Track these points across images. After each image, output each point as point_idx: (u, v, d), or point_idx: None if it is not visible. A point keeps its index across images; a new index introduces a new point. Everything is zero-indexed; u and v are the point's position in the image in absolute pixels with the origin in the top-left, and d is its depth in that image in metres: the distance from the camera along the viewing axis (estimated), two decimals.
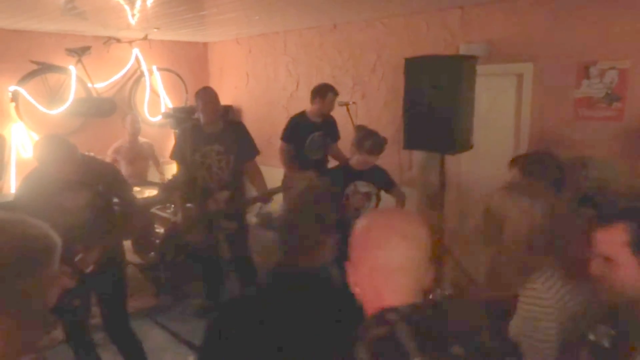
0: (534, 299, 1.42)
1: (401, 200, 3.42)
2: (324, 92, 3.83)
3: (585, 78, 3.25)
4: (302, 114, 3.97)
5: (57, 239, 1.02)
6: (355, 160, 3.15)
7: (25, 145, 4.72)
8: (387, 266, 0.97)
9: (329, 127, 4.01)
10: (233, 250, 3.64)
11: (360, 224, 1.04)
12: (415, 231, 0.99)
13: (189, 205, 3.50)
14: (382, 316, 0.94)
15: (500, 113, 3.80)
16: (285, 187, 3.46)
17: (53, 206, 2.31)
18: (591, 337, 1.23)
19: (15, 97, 4.56)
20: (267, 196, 3.41)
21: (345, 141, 3.96)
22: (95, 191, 2.51)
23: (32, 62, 4.59)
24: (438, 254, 1.18)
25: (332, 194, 1.52)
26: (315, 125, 3.91)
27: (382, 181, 3.30)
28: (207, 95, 3.30)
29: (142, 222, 4.13)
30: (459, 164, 3.94)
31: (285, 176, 4.00)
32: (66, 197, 2.41)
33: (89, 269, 2.40)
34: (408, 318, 0.92)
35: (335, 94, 3.89)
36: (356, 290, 1.02)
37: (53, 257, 0.98)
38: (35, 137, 4.69)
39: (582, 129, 3.28)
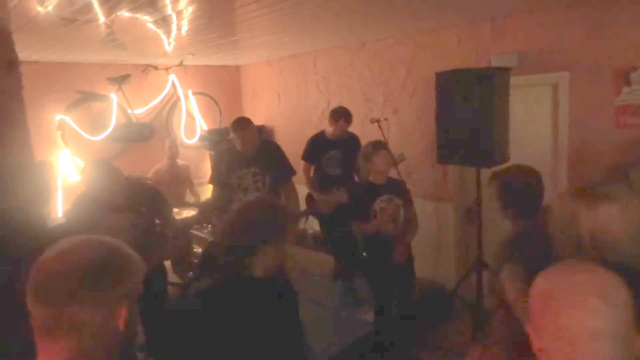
0: None
1: (413, 226, 3.18)
2: (336, 117, 3.91)
3: (626, 85, 3.15)
4: (321, 133, 4.10)
5: (135, 260, 1.02)
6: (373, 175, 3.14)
7: (70, 171, 4.95)
8: (583, 331, 0.82)
9: (349, 145, 4.01)
10: None
11: (542, 281, 0.91)
12: (613, 291, 0.84)
13: None
14: None
15: (536, 124, 3.71)
16: (308, 206, 3.49)
17: (100, 228, 2.41)
18: None
19: (61, 125, 4.81)
20: (295, 217, 3.46)
21: None
22: (138, 212, 2.61)
23: (77, 92, 4.84)
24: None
25: (276, 207, 1.61)
26: (332, 143, 3.99)
27: (402, 195, 3.14)
28: (243, 129, 3.35)
29: (182, 242, 4.22)
30: None
31: (307, 196, 4.05)
32: (112, 219, 2.51)
33: None
34: None
35: (347, 121, 3.93)
36: (541, 357, 0.88)
37: (125, 278, 0.98)
38: (80, 162, 4.91)
39: (624, 137, 3.17)
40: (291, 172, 3.61)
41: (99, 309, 0.92)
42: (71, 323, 0.90)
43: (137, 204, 2.62)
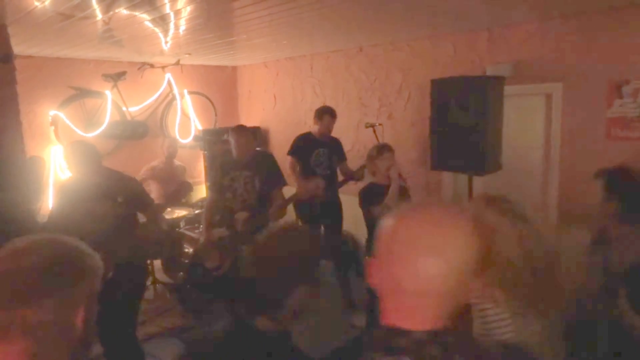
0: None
1: None
2: (320, 114, 4.00)
3: (618, 97, 3.18)
4: (308, 133, 4.15)
5: (93, 260, 0.98)
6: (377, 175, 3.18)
7: (62, 167, 4.91)
8: (410, 290, 0.84)
9: (334, 146, 4.12)
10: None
11: (388, 224, 0.90)
12: (449, 242, 0.83)
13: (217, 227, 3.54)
14: (389, 340, 0.84)
15: (529, 133, 3.75)
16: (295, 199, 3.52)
17: (79, 213, 2.48)
18: None
19: (54, 121, 4.77)
20: (280, 208, 3.47)
21: None
22: (114, 201, 2.63)
23: (71, 87, 4.81)
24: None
25: (309, 237, 1.39)
26: (321, 142, 4.04)
27: (404, 197, 3.20)
28: (240, 136, 3.43)
29: (168, 240, 4.24)
30: (487, 185, 3.88)
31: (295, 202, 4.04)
32: (89, 205, 2.56)
33: (109, 275, 2.44)
34: (418, 348, 0.81)
35: (332, 116, 4.01)
36: (376, 287, 0.91)
37: (83, 278, 0.95)
38: None
39: (615, 149, 3.20)
40: (282, 181, 3.58)
41: (55, 310, 0.89)
42: (27, 325, 0.87)
43: (114, 193, 2.64)
